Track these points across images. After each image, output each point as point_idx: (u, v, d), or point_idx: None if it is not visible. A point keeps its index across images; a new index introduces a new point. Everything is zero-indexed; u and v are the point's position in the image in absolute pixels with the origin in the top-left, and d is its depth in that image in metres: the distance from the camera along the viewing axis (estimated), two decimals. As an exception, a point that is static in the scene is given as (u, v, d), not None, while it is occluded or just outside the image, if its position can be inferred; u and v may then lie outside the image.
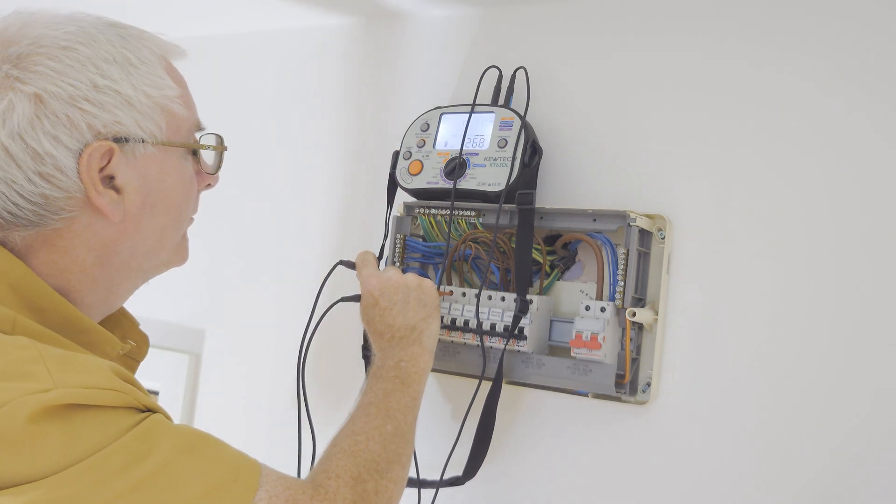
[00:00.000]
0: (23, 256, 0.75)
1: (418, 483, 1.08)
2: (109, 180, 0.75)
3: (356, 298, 1.04)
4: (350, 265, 1.08)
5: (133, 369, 0.87)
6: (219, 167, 0.87)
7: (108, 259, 0.77)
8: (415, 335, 0.98)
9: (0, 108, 0.70)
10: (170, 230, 0.82)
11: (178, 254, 0.86)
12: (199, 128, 0.85)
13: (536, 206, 1.06)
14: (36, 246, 0.75)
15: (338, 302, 1.06)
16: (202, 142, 0.85)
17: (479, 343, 1.06)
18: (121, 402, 0.68)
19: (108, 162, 0.74)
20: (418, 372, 0.96)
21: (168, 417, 0.73)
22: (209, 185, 0.88)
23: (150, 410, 0.71)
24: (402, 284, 1.00)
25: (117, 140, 0.74)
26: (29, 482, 0.62)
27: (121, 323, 0.87)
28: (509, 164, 1.07)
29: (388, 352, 0.96)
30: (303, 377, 1.04)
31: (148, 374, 1.02)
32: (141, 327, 0.90)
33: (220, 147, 0.86)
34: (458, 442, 1.07)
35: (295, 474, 1.00)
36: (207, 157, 0.86)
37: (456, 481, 1.06)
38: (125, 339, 0.84)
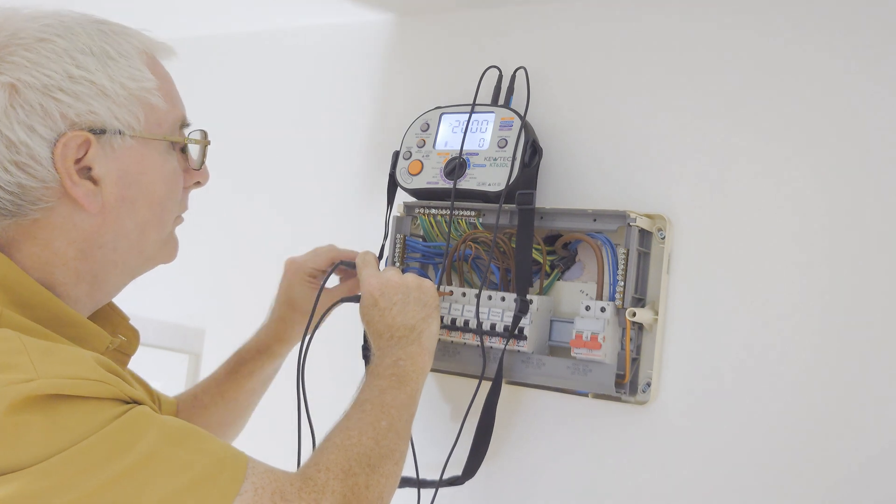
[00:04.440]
0: (5, 251, 0.75)
1: (418, 483, 1.08)
2: (87, 171, 0.75)
3: (356, 299, 1.04)
4: (351, 266, 1.08)
5: (123, 364, 0.87)
6: (202, 162, 0.87)
7: (90, 252, 0.77)
8: (414, 335, 0.97)
9: None
10: (152, 225, 0.81)
11: (165, 251, 0.86)
12: (185, 124, 0.85)
13: (536, 206, 1.06)
14: (19, 239, 0.75)
15: (338, 303, 1.06)
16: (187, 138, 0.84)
17: (479, 343, 1.06)
18: (105, 394, 0.67)
19: (86, 153, 0.74)
20: (416, 371, 0.95)
21: (154, 410, 0.72)
22: (198, 182, 0.88)
23: (136, 402, 0.70)
24: (401, 285, 0.99)
25: (94, 131, 0.74)
26: (10, 472, 0.62)
27: (110, 318, 0.87)
28: (509, 164, 1.07)
29: (386, 351, 0.96)
30: (303, 377, 1.04)
31: (148, 374, 1.02)
32: (134, 323, 0.89)
33: (203, 141, 0.85)
34: (458, 442, 1.07)
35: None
36: (193, 153, 0.86)
37: (455, 481, 1.06)
38: (115, 334, 0.84)
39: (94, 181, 0.75)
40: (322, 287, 1.07)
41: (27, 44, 0.73)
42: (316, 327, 1.06)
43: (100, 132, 0.74)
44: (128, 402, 0.70)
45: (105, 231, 0.77)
